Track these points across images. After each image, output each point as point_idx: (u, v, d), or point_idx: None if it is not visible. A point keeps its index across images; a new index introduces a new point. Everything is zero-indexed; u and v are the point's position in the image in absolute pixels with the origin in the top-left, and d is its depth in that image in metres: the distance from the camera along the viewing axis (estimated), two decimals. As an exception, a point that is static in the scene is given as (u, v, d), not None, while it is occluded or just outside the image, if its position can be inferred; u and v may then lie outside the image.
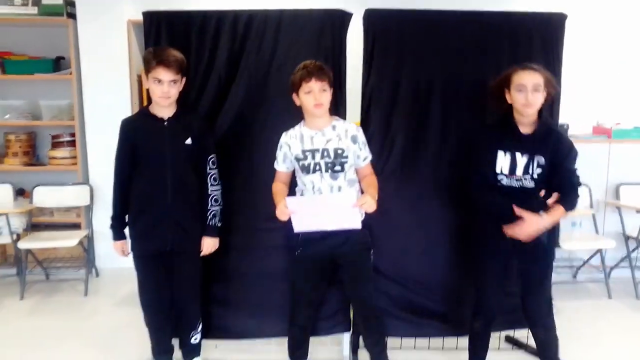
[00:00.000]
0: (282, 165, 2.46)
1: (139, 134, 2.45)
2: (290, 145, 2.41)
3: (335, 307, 2.77)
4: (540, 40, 2.67)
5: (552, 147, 2.33)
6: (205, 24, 2.59)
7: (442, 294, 2.80)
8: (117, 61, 4.00)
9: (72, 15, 4.06)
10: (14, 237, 3.89)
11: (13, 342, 3.14)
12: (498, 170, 2.34)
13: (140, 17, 2.72)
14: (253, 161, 2.67)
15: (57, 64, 4.24)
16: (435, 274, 2.78)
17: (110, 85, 4.06)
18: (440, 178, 2.72)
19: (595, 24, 4.14)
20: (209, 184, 2.51)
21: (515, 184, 2.35)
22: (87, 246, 4.11)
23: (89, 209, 4.16)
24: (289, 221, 2.36)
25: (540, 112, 2.34)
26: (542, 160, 2.32)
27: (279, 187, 2.46)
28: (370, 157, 2.48)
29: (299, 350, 2.65)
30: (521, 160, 2.32)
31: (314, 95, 2.29)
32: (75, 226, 4.28)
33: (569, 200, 2.33)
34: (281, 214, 2.31)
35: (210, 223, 2.53)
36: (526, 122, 2.33)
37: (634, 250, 3.96)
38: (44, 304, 3.74)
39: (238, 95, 2.63)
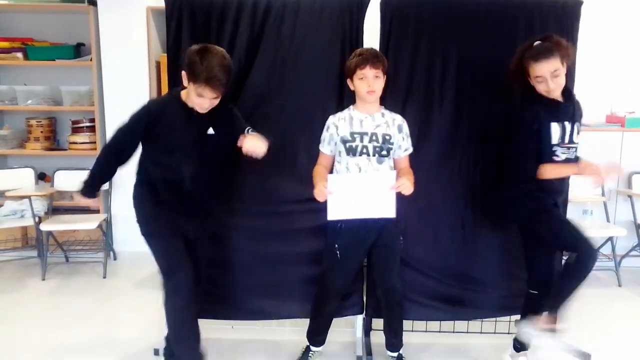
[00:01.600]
0: (327, 147, 2.49)
1: (165, 121, 2.29)
2: (338, 126, 2.44)
3: (350, 289, 2.80)
4: (555, 26, 2.67)
5: (580, 112, 2.44)
6: (226, 10, 2.63)
7: (455, 279, 2.84)
8: (136, 48, 4.07)
9: (93, 2, 4.12)
10: (36, 219, 4.00)
11: (35, 321, 3.24)
12: (554, 141, 2.37)
13: (159, 4, 2.78)
14: (272, 145, 2.71)
15: (78, 51, 4.32)
16: (448, 258, 2.82)
17: (129, 71, 4.13)
18: (455, 164, 2.76)
19: (610, 11, 4.12)
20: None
21: (564, 155, 2.38)
22: (106, 229, 4.21)
23: (107, 193, 4.25)
24: (321, 210, 2.40)
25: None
26: (579, 126, 2.40)
27: (320, 170, 2.48)
28: (410, 149, 2.54)
29: (320, 336, 2.72)
30: (568, 127, 2.37)
31: (367, 82, 2.34)
32: (94, 210, 4.37)
33: None
34: (320, 194, 2.33)
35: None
36: (558, 96, 2.38)
37: (644, 238, 3.99)
38: (64, 285, 3.84)
39: (257, 80, 2.67)
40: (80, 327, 3.15)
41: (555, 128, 2.36)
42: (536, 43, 2.32)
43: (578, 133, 2.39)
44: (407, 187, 2.33)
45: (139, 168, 2.44)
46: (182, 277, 2.30)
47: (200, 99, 2.21)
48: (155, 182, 2.39)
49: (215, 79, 2.14)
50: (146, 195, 2.41)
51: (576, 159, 2.43)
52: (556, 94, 2.34)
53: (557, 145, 2.37)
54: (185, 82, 2.22)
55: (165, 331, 2.55)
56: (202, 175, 2.40)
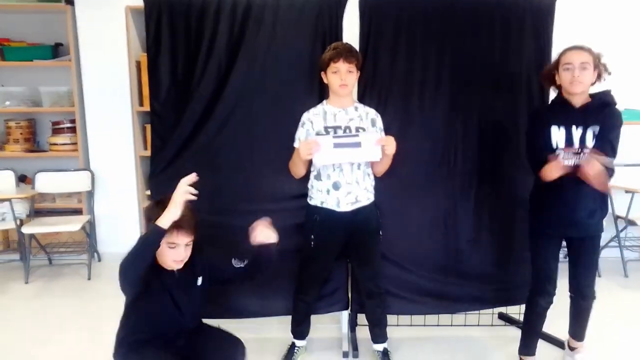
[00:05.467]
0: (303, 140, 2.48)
1: (150, 298, 2.12)
2: (313, 121, 2.46)
3: (335, 285, 2.85)
4: (531, 24, 2.73)
5: (603, 117, 2.31)
6: (205, 10, 2.64)
7: (438, 273, 2.88)
8: (116, 47, 4.02)
9: (71, 2, 4.07)
10: (18, 222, 3.95)
11: (19, 325, 3.22)
12: (554, 146, 2.32)
13: (138, 3, 2.76)
14: (253, 145, 2.73)
15: (56, 51, 4.27)
16: (431, 253, 2.86)
17: (109, 71, 4.09)
18: (435, 160, 2.79)
19: (585, 7, 4.19)
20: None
21: (572, 160, 2.23)
22: (89, 231, 4.18)
23: (90, 194, 4.23)
24: (300, 209, 2.50)
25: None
26: (597, 129, 2.29)
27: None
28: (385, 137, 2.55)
29: (302, 326, 2.75)
30: (576, 132, 2.30)
31: (340, 75, 2.37)
32: (77, 212, 4.33)
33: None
34: (305, 146, 2.32)
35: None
36: (578, 99, 2.33)
37: (622, 229, 4.06)
38: (48, 288, 3.81)
39: (238, 80, 2.68)
40: (65, 329, 3.14)
41: (555, 131, 2.33)
42: None
43: (594, 138, 2.28)
44: (392, 145, 2.36)
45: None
46: None
47: (175, 249, 2.03)
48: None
49: (184, 220, 1.96)
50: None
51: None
52: (577, 89, 2.28)
53: (561, 149, 2.27)
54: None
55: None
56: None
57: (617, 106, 2.39)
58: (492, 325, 3.07)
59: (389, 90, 2.73)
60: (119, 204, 4.30)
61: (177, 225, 1.96)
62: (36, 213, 4.20)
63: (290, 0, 2.65)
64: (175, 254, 2.04)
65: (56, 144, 4.30)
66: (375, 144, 2.36)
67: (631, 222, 3.98)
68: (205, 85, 2.69)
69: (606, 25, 4.26)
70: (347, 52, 2.37)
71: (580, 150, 2.25)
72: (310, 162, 2.47)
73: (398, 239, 2.80)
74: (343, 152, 2.36)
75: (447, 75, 2.74)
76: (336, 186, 2.45)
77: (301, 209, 2.61)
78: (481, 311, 2.97)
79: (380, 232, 2.61)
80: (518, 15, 2.72)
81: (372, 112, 2.53)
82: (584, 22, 4.20)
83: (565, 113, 2.34)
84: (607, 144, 2.28)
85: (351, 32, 2.73)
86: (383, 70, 2.71)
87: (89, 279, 3.95)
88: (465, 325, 3.03)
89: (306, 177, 2.56)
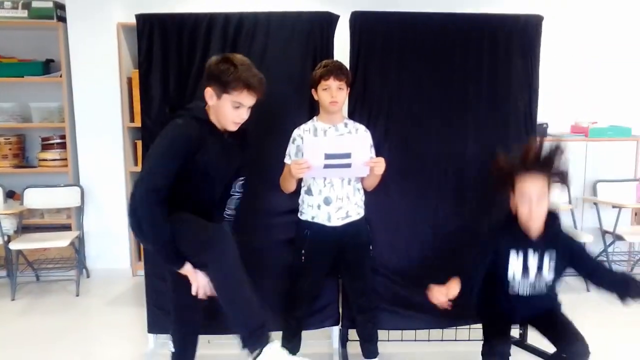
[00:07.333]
0: (295, 159, 2.49)
1: (203, 146, 2.02)
2: (304, 137, 2.48)
3: (325, 301, 2.84)
4: (518, 40, 2.77)
5: (563, 244, 2.28)
6: (197, 27, 2.66)
7: (429, 288, 2.88)
8: (107, 64, 4.05)
9: (62, 19, 4.10)
10: (5, 238, 3.92)
11: (5, 343, 3.17)
12: (510, 275, 2.28)
13: (129, 20, 2.78)
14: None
15: (47, 67, 4.27)
16: (422, 267, 2.85)
17: (100, 88, 4.11)
18: (426, 177, 2.81)
19: (571, 26, 4.28)
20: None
21: (527, 290, 2.28)
22: (78, 247, 4.15)
23: (79, 210, 4.20)
24: (290, 224, 2.51)
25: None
26: (553, 254, 2.26)
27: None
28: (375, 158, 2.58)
29: (293, 342, 2.73)
30: (533, 260, 2.25)
31: (330, 92, 2.39)
32: (66, 227, 4.30)
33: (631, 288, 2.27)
34: (296, 166, 2.32)
35: None
36: (534, 228, 2.24)
37: (610, 244, 4.09)
38: (35, 305, 3.77)
39: (229, 96, 2.69)
40: (54, 346, 3.10)
41: (513, 259, 2.27)
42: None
43: (551, 260, 2.25)
44: (382, 165, 2.38)
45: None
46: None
47: (238, 110, 2.02)
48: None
49: (256, 79, 2.00)
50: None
51: (549, 296, 2.33)
52: (535, 224, 2.21)
53: (517, 280, 2.28)
54: (212, 99, 2.02)
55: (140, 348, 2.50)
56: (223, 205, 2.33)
57: (562, 227, 2.33)
58: (482, 339, 3.06)
59: (379, 107, 2.75)
60: (108, 219, 4.28)
61: (247, 85, 1.96)
62: (24, 229, 4.16)
63: (282, 17, 2.69)
64: (237, 114, 2.02)
65: (46, 160, 4.28)
66: (364, 164, 2.38)
67: (619, 237, 4.02)
68: (196, 102, 2.69)
69: (592, 43, 4.36)
70: (337, 70, 2.40)
71: (540, 279, 2.27)
72: (301, 178, 2.49)
73: (389, 254, 2.81)
74: (333, 172, 2.40)
75: (437, 92, 2.77)
76: (327, 201, 2.47)
77: (292, 224, 2.62)
78: (472, 326, 2.97)
79: (371, 247, 2.62)
80: (505, 34, 2.76)
81: (361, 129, 2.55)
82: (571, 40, 4.31)
83: (523, 239, 2.25)
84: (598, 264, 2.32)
85: (342, 49, 2.76)
86: (373, 87, 2.74)
87: (78, 295, 3.91)
88: (455, 340, 3.02)
89: (297, 192, 2.57)
